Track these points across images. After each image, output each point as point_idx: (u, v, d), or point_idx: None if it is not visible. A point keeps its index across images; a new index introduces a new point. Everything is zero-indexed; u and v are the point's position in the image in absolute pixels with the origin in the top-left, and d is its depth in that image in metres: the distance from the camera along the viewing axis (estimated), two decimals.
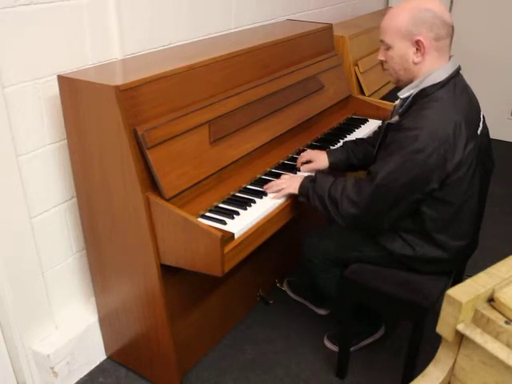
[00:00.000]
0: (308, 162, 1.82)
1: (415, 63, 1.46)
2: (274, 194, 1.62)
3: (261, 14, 2.45)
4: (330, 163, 1.81)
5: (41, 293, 1.68)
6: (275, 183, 1.64)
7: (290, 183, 1.62)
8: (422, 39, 1.41)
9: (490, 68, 3.76)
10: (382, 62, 1.56)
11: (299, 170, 1.79)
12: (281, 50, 2.00)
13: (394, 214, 1.47)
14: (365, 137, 2.05)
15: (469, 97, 1.49)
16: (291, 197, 1.64)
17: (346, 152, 1.84)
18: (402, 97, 1.52)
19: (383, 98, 2.56)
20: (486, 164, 1.58)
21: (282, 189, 1.61)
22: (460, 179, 1.43)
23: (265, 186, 1.65)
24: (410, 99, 1.48)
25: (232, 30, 2.27)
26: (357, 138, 1.92)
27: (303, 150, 1.93)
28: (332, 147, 1.98)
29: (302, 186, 1.60)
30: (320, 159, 1.80)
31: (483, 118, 1.56)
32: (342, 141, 2.07)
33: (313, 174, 1.66)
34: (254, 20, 2.41)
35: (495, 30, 3.67)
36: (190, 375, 1.86)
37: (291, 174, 1.72)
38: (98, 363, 1.91)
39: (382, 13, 3.42)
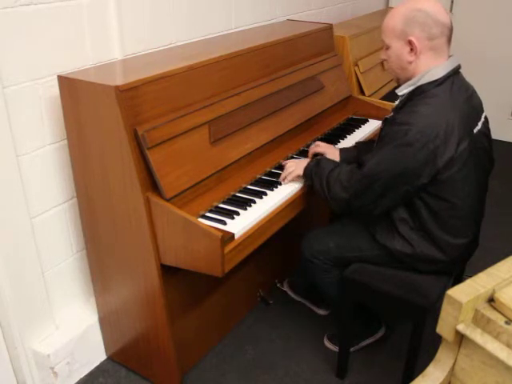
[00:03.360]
0: (320, 154, 1.86)
1: (409, 62, 1.49)
2: (285, 180, 1.69)
3: (261, 14, 2.46)
4: (341, 161, 1.83)
5: (41, 293, 1.68)
6: (286, 167, 1.72)
7: (297, 165, 1.70)
8: (413, 39, 1.43)
9: (490, 68, 3.76)
10: (383, 61, 1.59)
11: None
12: (281, 50, 2.00)
13: (384, 202, 1.50)
14: (369, 139, 2.06)
15: (467, 96, 1.50)
16: (291, 197, 1.64)
17: (357, 153, 1.86)
18: (399, 94, 1.55)
19: (383, 98, 2.56)
20: (485, 164, 1.58)
21: (290, 172, 1.68)
22: (453, 177, 1.44)
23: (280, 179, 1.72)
24: (406, 95, 1.51)
25: (232, 30, 2.27)
26: (369, 140, 1.93)
27: (304, 151, 1.93)
28: None
29: (307, 168, 1.67)
30: (332, 156, 1.83)
31: (485, 118, 1.57)
32: (342, 141, 2.07)
33: (319, 157, 1.72)
34: (254, 20, 2.41)
35: (495, 30, 3.67)
36: (190, 375, 1.86)
37: (299, 159, 1.78)
38: (98, 363, 1.91)
39: (382, 13, 3.43)
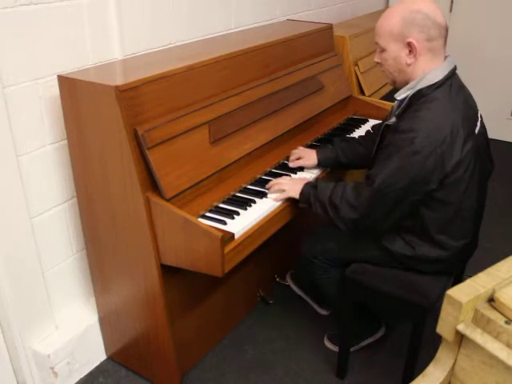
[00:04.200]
0: (298, 159, 1.84)
1: (408, 65, 1.46)
2: (276, 196, 1.62)
3: (261, 14, 2.46)
4: (319, 161, 1.82)
5: (41, 293, 1.68)
6: (277, 182, 1.65)
7: (292, 186, 1.62)
8: (413, 41, 1.41)
9: (489, 68, 3.76)
10: (376, 64, 1.57)
11: (294, 171, 1.80)
12: (281, 50, 2.00)
13: (394, 215, 1.48)
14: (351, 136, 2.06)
15: (465, 96, 1.50)
16: (291, 198, 1.64)
17: (335, 150, 1.85)
18: (398, 98, 1.52)
19: (383, 98, 2.56)
20: (485, 164, 1.58)
21: (284, 191, 1.62)
22: (459, 179, 1.43)
23: (267, 185, 1.66)
24: (406, 100, 1.48)
25: (232, 30, 2.27)
26: (347, 137, 1.93)
27: None
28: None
29: (302, 193, 1.60)
30: (309, 157, 1.82)
31: (481, 117, 1.56)
32: None
33: (312, 179, 1.68)
34: (254, 20, 2.41)
35: (495, 30, 3.67)
36: (190, 375, 1.86)
37: (292, 176, 1.73)
38: (98, 363, 1.91)
39: (382, 13, 3.43)
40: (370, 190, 1.44)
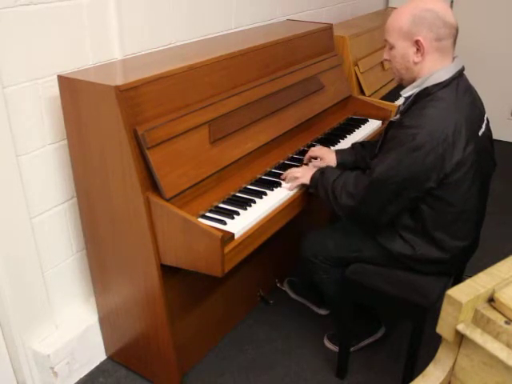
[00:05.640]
0: (316, 158, 1.85)
1: (415, 63, 1.46)
2: (289, 184, 1.67)
3: (261, 14, 2.46)
4: (338, 164, 1.83)
5: (41, 293, 1.68)
6: (290, 171, 1.71)
7: (304, 173, 1.68)
8: (421, 39, 1.41)
9: (490, 68, 3.76)
10: (384, 61, 1.59)
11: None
12: (281, 50, 2.00)
13: (391, 209, 1.48)
14: (369, 139, 2.06)
15: (472, 98, 1.49)
16: (291, 197, 1.64)
17: (354, 155, 1.86)
18: (404, 95, 1.53)
19: (383, 98, 2.56)
20: (488, 166, 1.58)
21: (297, 178, 1.67)
22: (460, 180, 1.43)
23: (282, 176, 1.72)
24: (412, 98, 1.49)
25: (232, 30, 2.27)
26: (364, 141, 1.93)
27: (303, 151, 1.93)
28: (332, 147, 1.98)
29: (312, 178, 1.65)
30: (329, 158, 1.83)
31: (487, 120, 1.56)
32: (342, 141, 2.07)
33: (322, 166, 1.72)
34: (254, 20, 2.41)
35: (495, 29, 3.67)
36: (190, 375, 1.86)
37: (305, 166, 1.78)
38: (98, 363, 1.91)
39: (382, 13, 3.43)
40: (369, 179, 1.47)
